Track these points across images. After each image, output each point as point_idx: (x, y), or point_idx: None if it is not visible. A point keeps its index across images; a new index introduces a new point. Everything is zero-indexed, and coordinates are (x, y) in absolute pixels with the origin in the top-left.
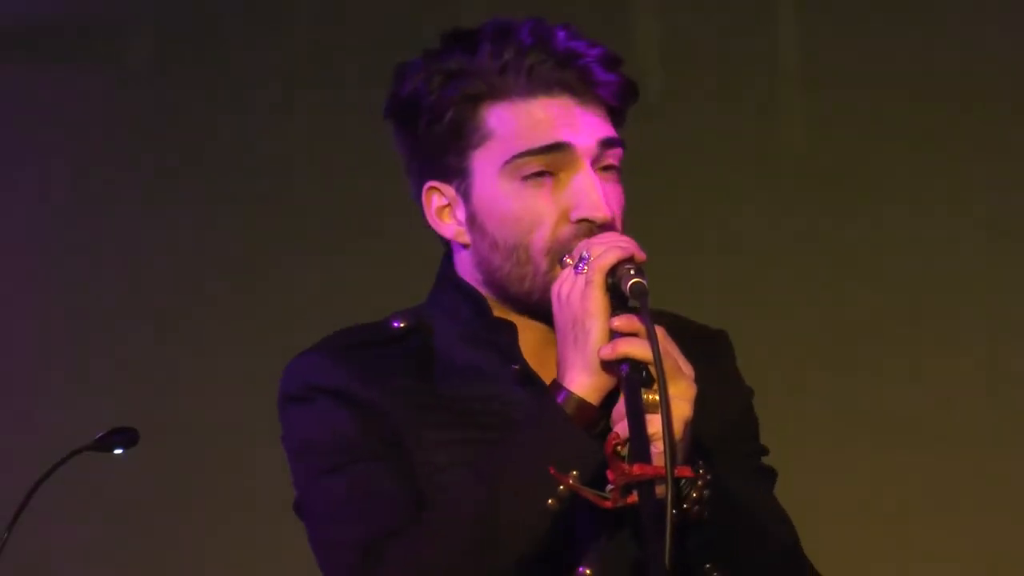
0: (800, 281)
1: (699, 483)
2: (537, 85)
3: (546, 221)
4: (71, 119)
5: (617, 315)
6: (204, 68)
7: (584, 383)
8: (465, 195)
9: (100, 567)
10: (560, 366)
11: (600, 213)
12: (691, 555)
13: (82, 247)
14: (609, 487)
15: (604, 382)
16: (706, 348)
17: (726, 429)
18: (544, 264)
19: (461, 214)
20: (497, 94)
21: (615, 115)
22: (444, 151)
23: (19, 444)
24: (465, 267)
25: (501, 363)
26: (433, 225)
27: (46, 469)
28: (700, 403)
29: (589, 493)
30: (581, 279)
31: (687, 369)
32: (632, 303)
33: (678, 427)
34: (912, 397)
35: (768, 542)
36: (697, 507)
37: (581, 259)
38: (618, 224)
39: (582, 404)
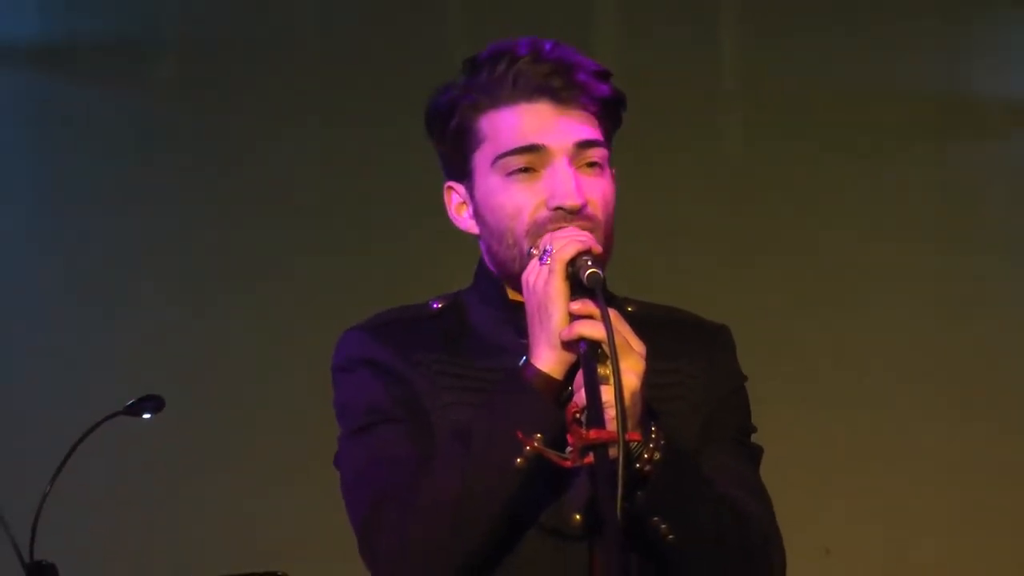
0: (735, 267)
1: (651, 445)
2: (520, 94)
3: (526, 208)
4: (104, 126)
5: (575, 300)
6: (221, 83)
7: (549, 359)
8: (471, 192)
9: (129, 516)
10: (529, 344)
11: (571, 201)
12: (640, 509)
13: (117, 235)
14: (569, 449)
15: (566, 358)
16: (700, 337)
17: (712, 407)
18: (525, 246)
19: (471, 209)
20: (489, 104)
21: (603, 119)
22: (455, 155)
23: (60, 409)
24: (484, 256)
25: (516, 338)
26: (452, 219)
27: (84, 430)
28: (676, 381)
29: (552, 454)
30: (545, 269)
31: (638, 347)
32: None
33: (628, 396)
34: (835, 368)
35: (722, 504)
36: (649, 467)
37: (545, 251)
38: (598, 211)
39: (547, 377)
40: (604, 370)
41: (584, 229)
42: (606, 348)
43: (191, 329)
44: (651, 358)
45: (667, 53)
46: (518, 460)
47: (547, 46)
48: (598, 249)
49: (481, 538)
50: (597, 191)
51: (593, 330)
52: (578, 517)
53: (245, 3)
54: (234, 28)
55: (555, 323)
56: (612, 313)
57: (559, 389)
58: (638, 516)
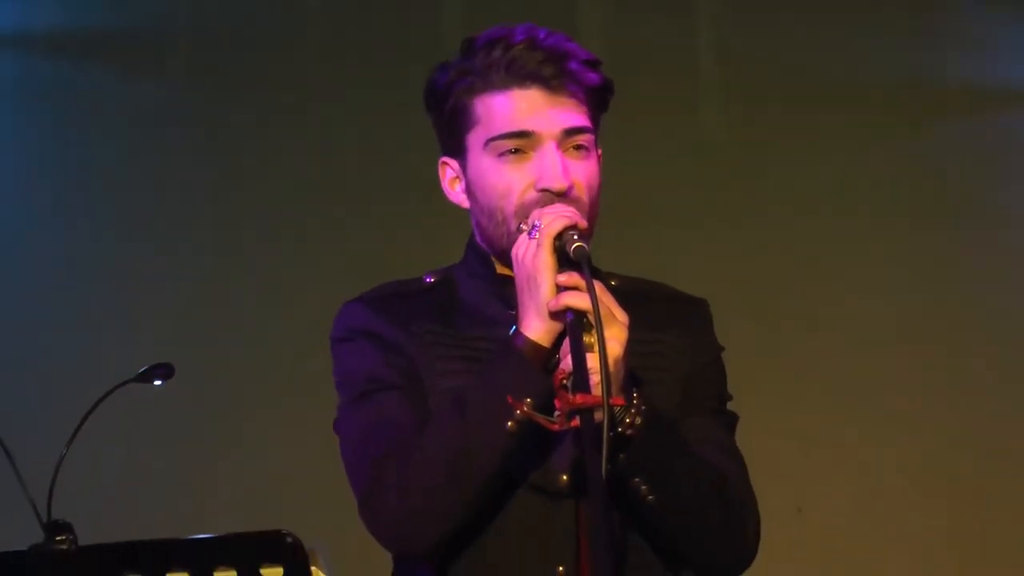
0: (717, 246)
1: (632, 410)
2: (513, 79)
3: (515, 189)
4: (123, 112)
5: (562, 272)
6: (231, 71)
7: (538, 328)
8: (464, 169)
9: (140, 478)
10: (518, 314)
11: (557, 184)
12: (622, 471)
13: (132, 212)
14: (557, 414)
15: (554, 327)
16: (680, 309)
17: (691, 375)
18: (513, 224)
19: (463, 184)
20: (484, 87)
21: (591, 105)
22: (451, 133)
23: (74, 375)
24: (475, 230)
25: (504, 310)
26: (446, 192)
27: (97, 397)
28: (659, 349)
29: (540, 418)
30: (533, 243)
31: (621, 317)
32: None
33: (612, 363)
34: (810, 341)
35: (700, 467)
36: (631, 430)
37: (534, 226)
38: (583, 193)
39: (535, 346)
40: (590, 338)
41: None
42: (591, 318)
43: (200, 302)
44: (634, 328)
45: (649, 41)
46: (509, 424)
47: (541, 34)
48: (584, 224)
49: (475, 496)
50: (582, 174)
51: (579, 301)
52: (564, 478)
53: None
54: (244, 19)
55: (543, 294)
56: (597, 285)
57: (547, 357)
58: (620, 477)
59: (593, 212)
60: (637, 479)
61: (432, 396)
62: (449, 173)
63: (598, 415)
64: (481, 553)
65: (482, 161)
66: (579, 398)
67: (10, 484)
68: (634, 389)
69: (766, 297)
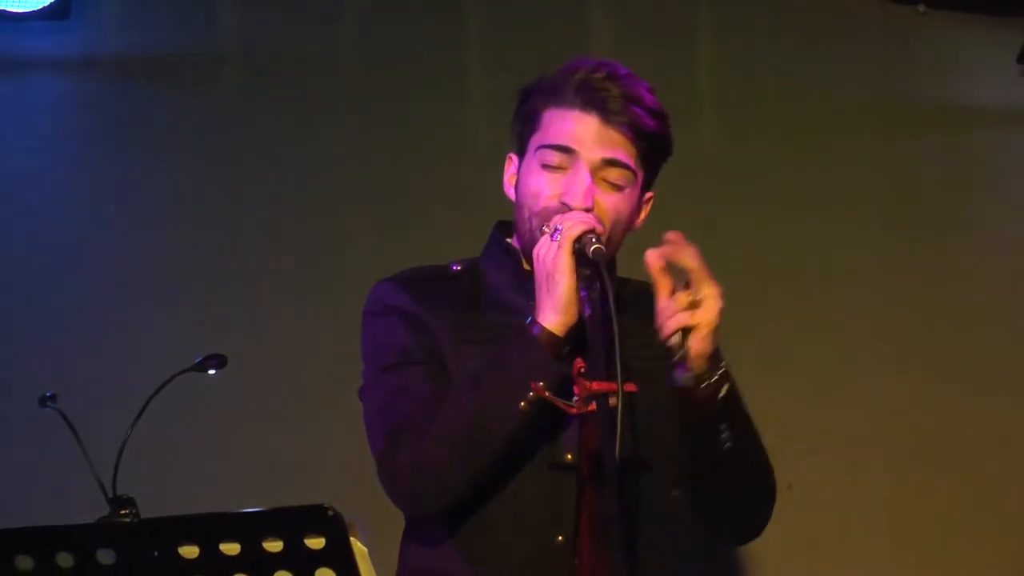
0: (710, 244)
1: (723, 371)
2: (579, 101)
3: (543, 195)
4: (173, 126)
5: (580, 271)
6: (273, 89)
7: (554, 320)
8: (520, 167)
9: (196, 457)
10: (537, 307)
11: (576, 202)
12: (714, 417)
13: (184, 219)
14: (575, 398)
15: (569, 319)
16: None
17: None
18: (535, 224)
19: (516, 180)
20: (555, 101)
21: (642, 150)
22: (520, 133)
23: (137, 366)
24: (516, 221)
25: (526, 301)
26: (504, 183)
27: (157, 385)
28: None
29: (559, 402)
30: (554, 245)
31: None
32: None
33: (710, 331)
34: (797, 331)
35: (755, 430)
36: (725, 388)
37: (556, 229)
38: (605, 218)
39: (550, 335)
40: (688, 296)
41: None
42: (695, 277)
43: (245, 300)
44: (650, 325)
45: (649, 58)
46: (522, 404)
47: (622, 71)
48: (601, 229)
49: (484, 466)
50: (607, 203)
51: (689, 259)
52: (570, 456)
53: (294, 20)
54: (284, 43)
55: (561, 291)
56: (693, 250)
57: (560, 345)
58: (708, 425)
59: (609, 239)
60: (724, 425)
61: (455, 376)
62: (511, 168)
63: (612, 400)
64: (488, 518)
65: (531, 163)
66: (596, 384)
67: (79, 464)
68: (721, 358)
69: (756, 296)
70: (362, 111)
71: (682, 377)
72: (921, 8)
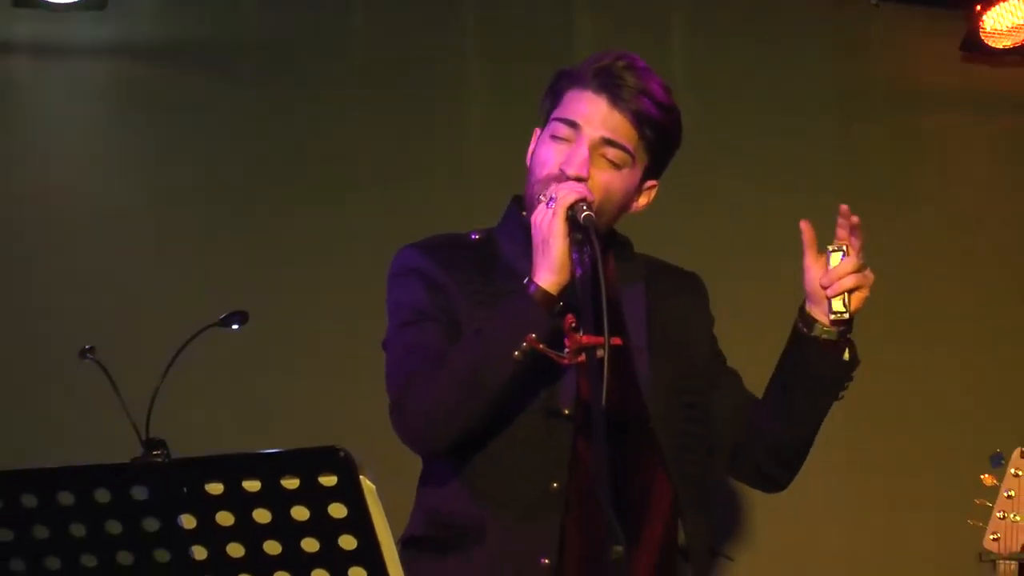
0: (677, 232)
1: (845, 331)
2: (594, 83)
3: (547, 164)
4: (201, 108)
5: (573, 236)
6: (295, 74)
7: (548, 279)
8: (538, 138)
9: (221, 403)
10: (533, 268)
11: (571, 171)
12: (842, 376)
13: (215, 188)
14: (566, 350)
15: (562, 279)
16: (686, 283)
17: (707, 340)
18: (536, 190)
19: (532, 150)
20: (576, 82)
21: (644, 137)
22: (545, 109)
23: (167, 320)
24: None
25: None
26: (527, 155)
27: (185, 339)
28: (685, 319)
29: (551, 353)
30: (549, 212)
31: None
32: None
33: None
34: (763, 302)
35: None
36: (840, 330)
37: (551, 198)
38: (597, 191)
39: (545, 293)
40: (854, 264)
41: None
42: (847, 245)
43: (265, 262)
44: (661, 295)
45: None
46: (516, 353)
47: (640, 64)
48: (592, 198)
49: (485, 409)
50: (601, 178)
51: (856, 230)
52: (567, 412)
53: (310, 9)
54: (300, 32)
55: (555, 253)
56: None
57: (554, 302)
58: (835, 374)
59: (602, 212)
60: (845, 376)
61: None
62: (534, 141)
63: (599, 352)
64: (491, 463)
65: (543, 134)
66: (585, 338)
67: (116, 410)
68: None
69: (725, 266)
70: (373, 86)
71: (825, 330)
72: (873, 1)
